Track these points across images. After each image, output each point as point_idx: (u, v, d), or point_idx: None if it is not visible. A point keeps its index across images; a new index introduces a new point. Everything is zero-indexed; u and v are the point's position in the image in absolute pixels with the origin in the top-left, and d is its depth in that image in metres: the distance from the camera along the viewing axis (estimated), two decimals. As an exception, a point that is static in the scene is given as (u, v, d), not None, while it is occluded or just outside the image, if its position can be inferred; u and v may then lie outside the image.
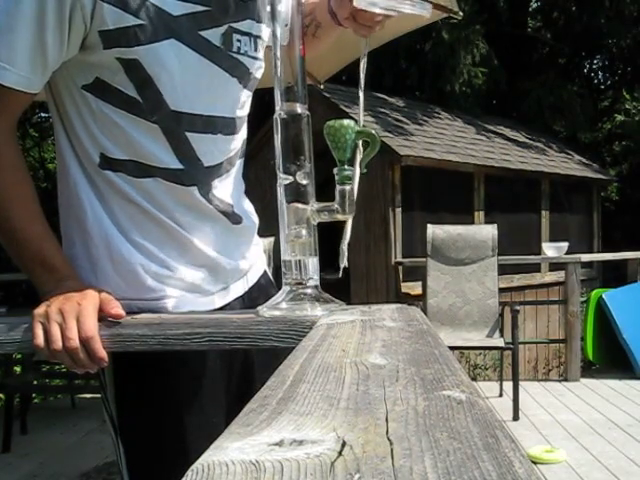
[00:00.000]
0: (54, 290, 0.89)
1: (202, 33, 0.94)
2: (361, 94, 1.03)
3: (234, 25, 0.99)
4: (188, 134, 0.97)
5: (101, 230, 0.98)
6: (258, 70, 1.07)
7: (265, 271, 1.20)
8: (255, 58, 1.05)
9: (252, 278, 1.14)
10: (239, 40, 1.00)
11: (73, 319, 0.85)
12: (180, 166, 0.97)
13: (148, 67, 0.90)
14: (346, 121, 0.85)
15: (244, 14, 1.00)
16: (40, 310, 0.87)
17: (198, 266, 1.02)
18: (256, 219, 1.17)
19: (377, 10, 0.98)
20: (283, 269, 0.87)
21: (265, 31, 1.05)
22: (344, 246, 0.93)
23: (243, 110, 1.08)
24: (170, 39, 0.91)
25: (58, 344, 0.84)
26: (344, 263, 0.92)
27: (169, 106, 0.94)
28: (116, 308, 0.89)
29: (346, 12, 1.04)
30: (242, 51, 1.01)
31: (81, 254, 1.01)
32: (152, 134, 0.95)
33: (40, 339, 0.85)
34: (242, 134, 1.09)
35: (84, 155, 0.97)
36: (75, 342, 0.84)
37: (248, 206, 1.16)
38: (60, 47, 0.88)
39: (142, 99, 0.92)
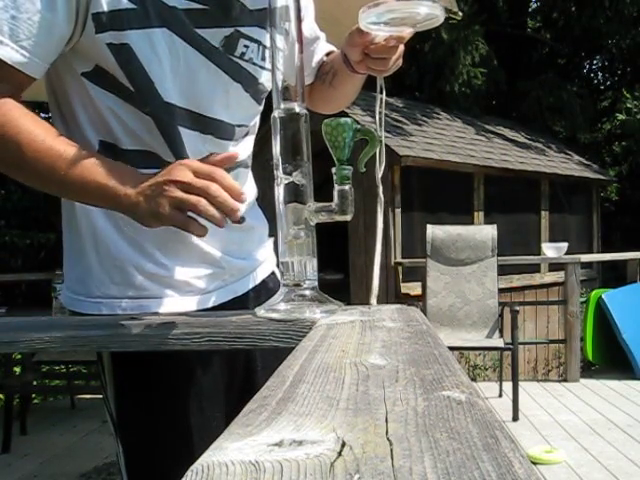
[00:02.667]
0: (140, 185, 0.84)
1: (199, 31, 0.92)
2: (382, 133, 1.00)
3: (242, 30, 0.97)
4: (180, 128, 0.95)
5: (89, 222, 0.97)
6: (269, 80, 1.04)
7: (274, 272, 1.18)
8: (262, 67, 1.02)
9: (257, 278, 1.14)
10: (246, 46, 0.98)
11: (194, 177, 0.82)
12: (174, 161, 0.96)
13: (139, 53, 0.89)
14: (343, 119, 0.84)
15: (251, 20, 0.98)
16: (157, 203, 0.81)
17: (195, 263, 1.01)
18: (265, 221, 1.17)
19: (383, 32, 0.95)
20: (281, 270, 0.87)
21: (281, 40, 0.98)
22: (373, 300, 0.94)
23: (247, 120, 1.06)
24: (162, 28, 0.89)
25: (206, 207, 0.80)
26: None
27: (162, 97, 0.92)
28: (220, 158, 0.87)
29: (358, 52, 1.01)
30: (247, 57, 0.99)
31: (69, 246, 1.01)
32: (147, 125, 0.93)
33: (185, 220, 0.81)
34: (245, 145, 1.07)
35: (83, 143, 0.95)
36: (215, 187, 0.81)
37: (256, 210, 1.15)
38: (67, 30, 0.86)
39: (134, 88, 0.91)
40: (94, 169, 0.85)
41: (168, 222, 0.82)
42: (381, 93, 1.03)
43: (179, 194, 0.81)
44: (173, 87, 0.93)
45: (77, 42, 0.89)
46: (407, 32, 0.96)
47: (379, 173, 0.98)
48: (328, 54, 1.21)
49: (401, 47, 1.00)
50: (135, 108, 0.92)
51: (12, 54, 0.83)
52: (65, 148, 0.85)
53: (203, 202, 0.80)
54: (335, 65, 1.14)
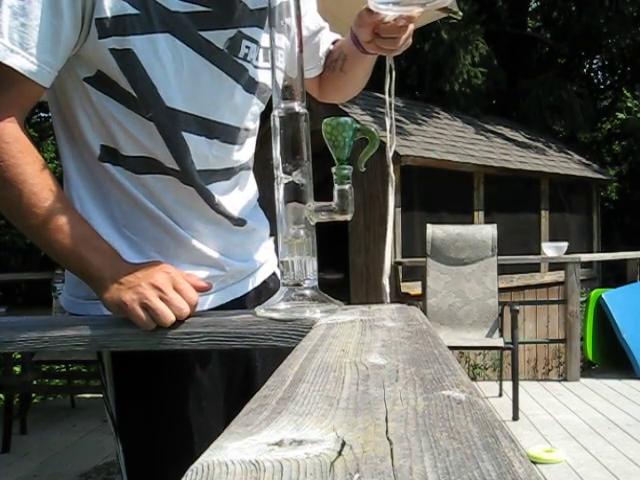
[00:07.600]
0: (117, 273, 0.87)
1: (203, 34, 0.92)
2: (388, 120, 0.99)
3: (243, 30, 0.96)
4: (184, 134, 0.95)
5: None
6: (269, 81, 1.03)
7: (274, 273, 1.18)
8: (262, 68, 1.01)
9: (257, 280, 1.13)
10: (247, 47, 0.98)
11: (173, 289, 0.85)
12: (176, 167, 0.96)
13: (142, 58, 0.88)
14: (343, 119, 0.84)
15: (251, 21, 0.97)
16: (127, 294, 0.84)
17: (195, 265, 1.01)
18: (266, 222, 1.16)
19: (393, 12, 0.93)
20: (281, 269, 0.87)
21: (280, 39, 0.96)
22: (385, 280, 0.93)
23: (252, 121, 1.05)
24: (165, 33, 0.89)
25: (170, 318, 0.83)
26: (387, 300, 0.92)
27: (164, 102, 0.92)
28: (200, 281, 0.90)
29: (367, 32, 1.00)
30: (249, 58, 0.99)
31: None
32: (148, 131, 0.93)
33: (146, 320, 0.83)
34: (247, 148, 1.07)
35: (84, 146, 0.95)
36: (187, 309, 0.85)
37: (256, 211, 1.15)
38: (73, 36, 0.86)
39: (136, 93, 0.90)
40: (80, 241, 0.87)
41: (127, 316, 0.85)
42: (390, 73, 1.02)
43: (154, 300, 0.83)
44: (177, 92, 0.92)
45: (80, 48, 0.89)
46: (416, 11, 0.94)
47: (390, 152, 0.97)
48: (334, 42, 1.20)
49: (411, 26, 0.99)
50: (137, 114, 0.92)
51: (23, 62, 0.83)
52: (60, 210, 0.87)
53: (170, 319, 0.83)
54: (344, 50, 1.14)
